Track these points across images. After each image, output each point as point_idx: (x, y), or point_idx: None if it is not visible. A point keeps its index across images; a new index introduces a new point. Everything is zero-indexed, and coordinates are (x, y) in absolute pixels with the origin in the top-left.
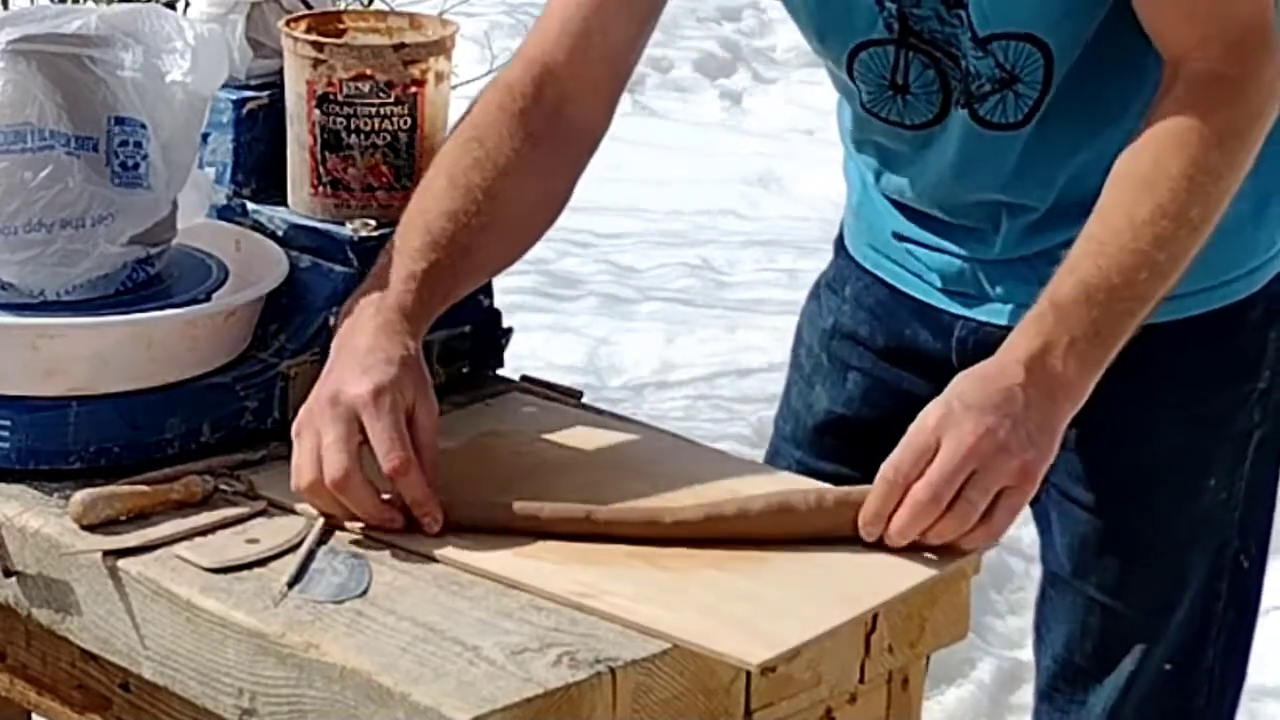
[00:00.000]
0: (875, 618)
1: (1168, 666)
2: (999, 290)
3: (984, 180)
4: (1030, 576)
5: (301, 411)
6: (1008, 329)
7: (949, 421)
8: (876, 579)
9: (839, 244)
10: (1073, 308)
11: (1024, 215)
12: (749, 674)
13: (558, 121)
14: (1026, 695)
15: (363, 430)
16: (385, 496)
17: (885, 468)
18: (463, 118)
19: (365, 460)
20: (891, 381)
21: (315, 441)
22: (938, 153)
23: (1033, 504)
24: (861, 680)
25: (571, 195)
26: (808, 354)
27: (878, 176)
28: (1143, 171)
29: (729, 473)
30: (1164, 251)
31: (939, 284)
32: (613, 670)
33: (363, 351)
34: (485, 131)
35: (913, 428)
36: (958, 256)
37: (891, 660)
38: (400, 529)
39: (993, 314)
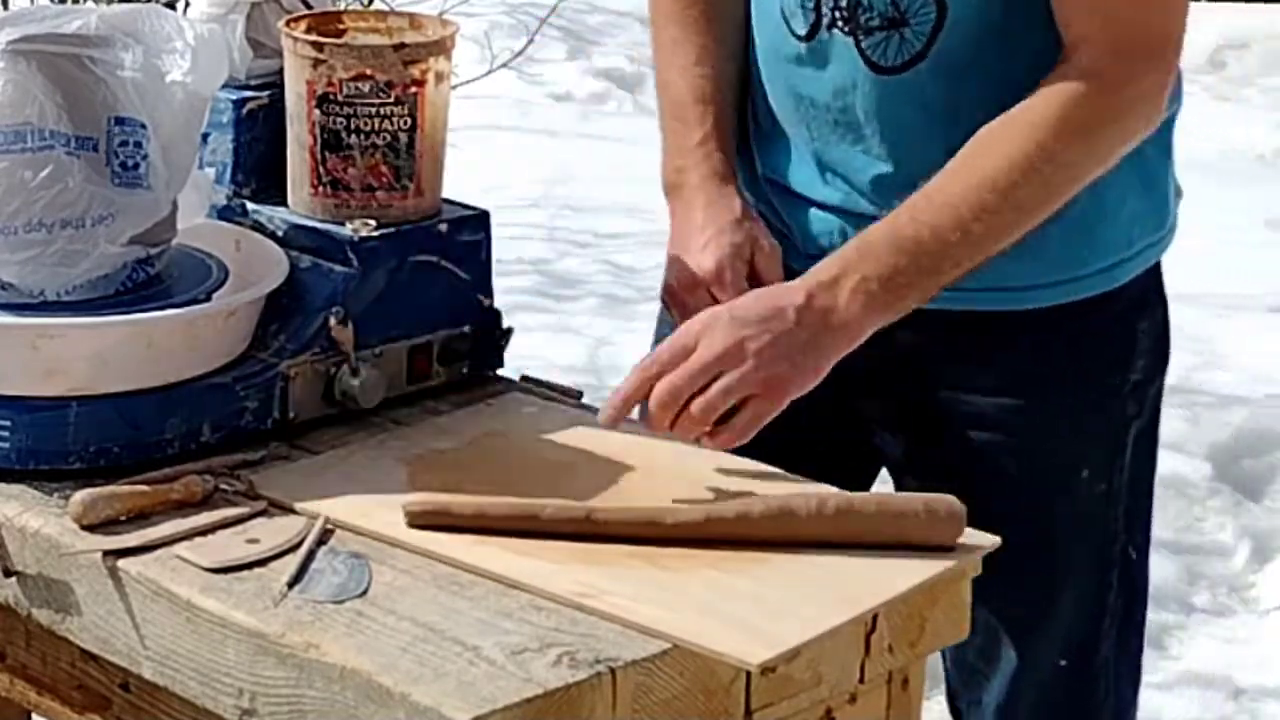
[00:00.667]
0: (875, 618)
1: (1063, 663)
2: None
3: (857, 110)
4: None
5: (666, 290)
6: None
7: (711, 327)
8: (877, 579)
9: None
10: (876, 249)
11: (889, 179)
12: (749, 674)
13: None
14: None
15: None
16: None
17: (643, 358)
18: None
19: None
20: None
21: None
22: (824, 79)
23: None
24: (861, 680)
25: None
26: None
27: (773, 113)
28: (991, 143)
29: (730, 473)
30: (981, 222)
31: (799, 241)
32: (613, 670)
33: (699, 228)
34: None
35: (680, 328)
36: (822, 207)
37: (892, 660)
38: None
39: None
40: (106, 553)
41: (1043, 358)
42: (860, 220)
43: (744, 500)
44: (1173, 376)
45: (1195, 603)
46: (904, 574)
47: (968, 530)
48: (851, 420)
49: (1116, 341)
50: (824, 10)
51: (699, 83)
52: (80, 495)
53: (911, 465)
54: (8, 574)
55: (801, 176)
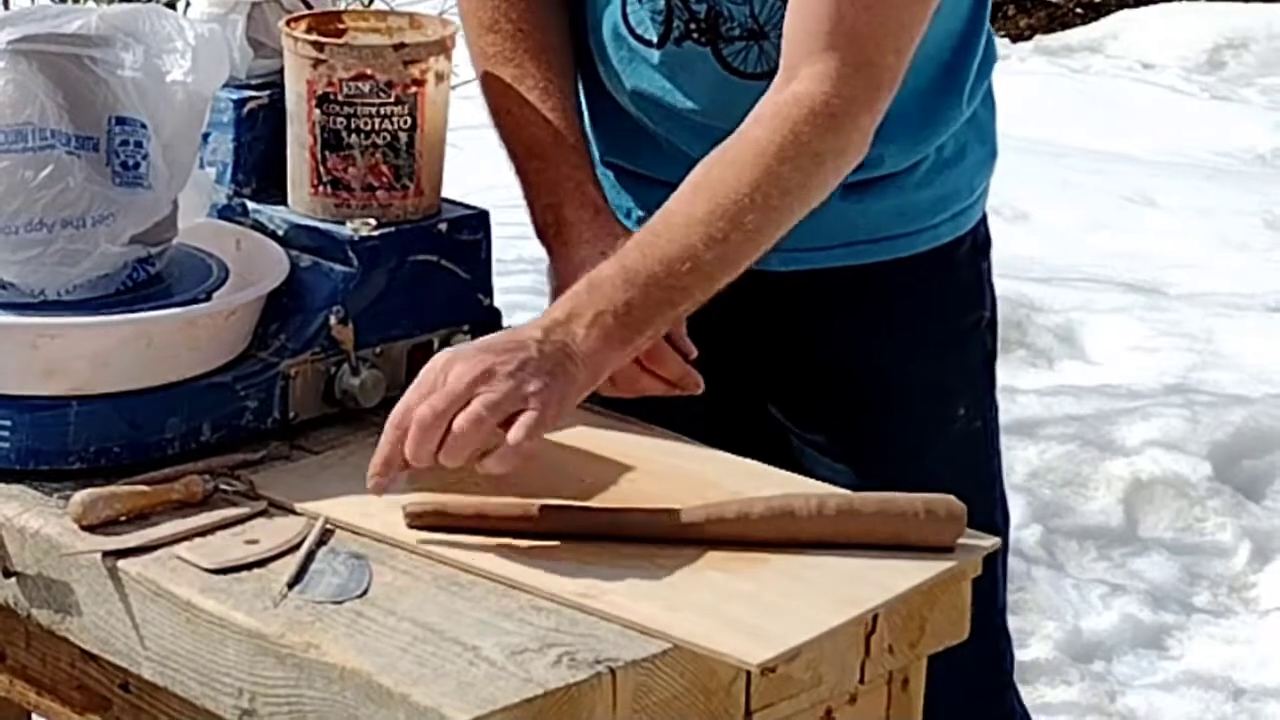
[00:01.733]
0: (875, 618)
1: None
2: None
3: (709, 111)
4: (1031, 577)
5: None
6: None
7: (454, 360)
8: (877, 580)
9: None
10: (607, 286)
11: None
12: (749, 674)
13: None
14: (1025, 696)
15: None
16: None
17: (394, 413)
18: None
19: None
20: None
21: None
22: (679, 86)
23: (792, 464)
24: (862, 681)
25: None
26: None
27: (611, 77)
28: (716, 173)
29: (730, 473)
30: (712, 251)
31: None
32: (613, 671)
33: (585, 265)
34: (495, 18)
35: (422, 371)
36: (672, 186)
37: (892, 661)
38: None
39: None
40: (106, 553)
41: (910, 304)
42: None
43: (744, 501)
44: (1172, 376)
45: (1195, 603)
46: (904, 574)
47: (967, 531)
48: (747, 400)
49: (970, 282)
50: (675, 24)
51: (552, 118)
52: (80, 495)
53: (804, 428)
54: (7, 574)
55: (659, 164)
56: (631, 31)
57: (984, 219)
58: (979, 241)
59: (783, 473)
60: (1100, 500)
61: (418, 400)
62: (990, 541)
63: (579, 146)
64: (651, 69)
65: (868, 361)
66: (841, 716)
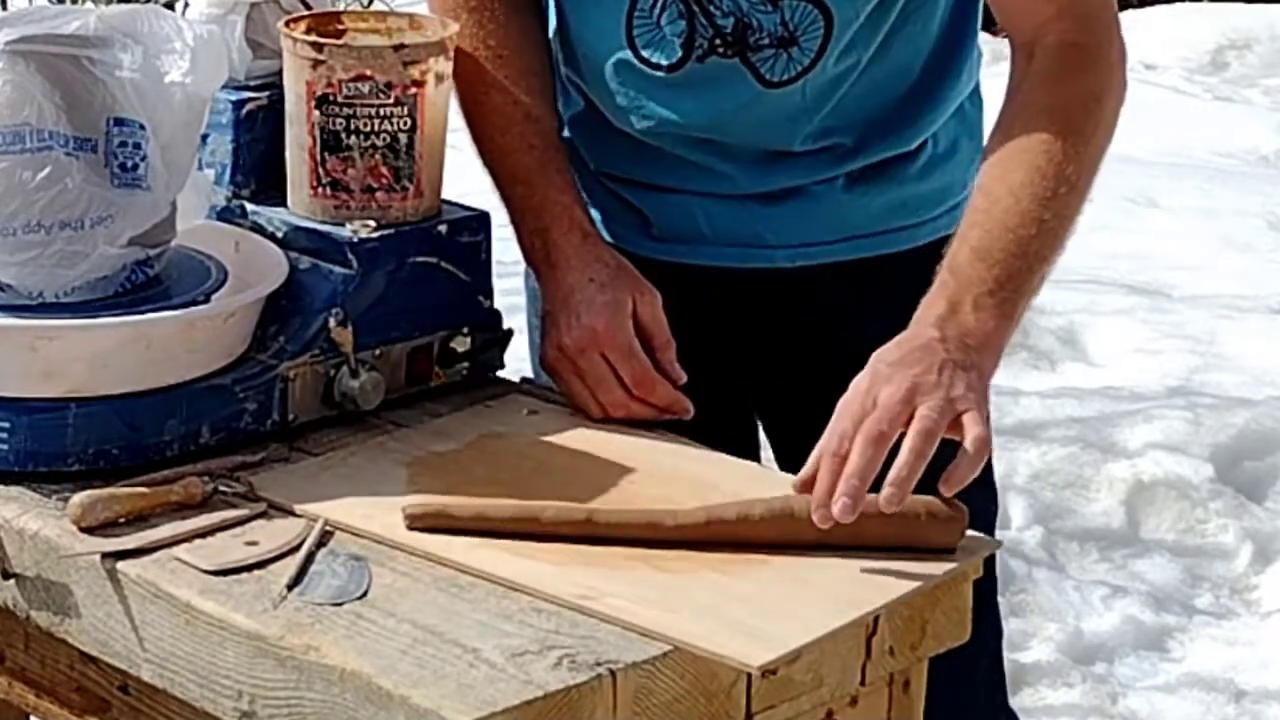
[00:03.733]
0: (876, 620)
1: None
2: (714, 231)
3: (725, 122)
4: (1033, 579)
5: (551, 357)
6: (729, 271)
7: (879, 381)
8: (878, 581)
9: None
10: (969, 269)
11: (752, 154)
12: (750, 676)
13: None
14: (1027, 698)
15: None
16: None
17: (828, 439)
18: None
19: None
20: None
21: (581, 386)
22: (692, 102)
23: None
24: (863, 683)
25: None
26: (537, 333)
27: (618, 110)
28: (1017, 141)
29: (730, 475)
30: (1049, 210)
31: (649, 228)
32: (613, 673)
33: (575, 288)
34: (482, 27)
35: (842, 401)
36: (675, 191)
37: (893, 663)
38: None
39: (711, 256)
40: (105, 555)
41: (913, 296)
42: (726, 200)
43: (745, 502)
44: (1175, 378)
45: (1197, 605)
46: (905, 576)
47: (969, 532)
48: (750, 397)
49: None
50: (698, 42)
51: (536, 143)
52: (79, 497)
53: (809, 424)
54: (6, 576)
55: (656, 172)
56: (643, 60)
57: None
58: None
59: (783, 474)
60: (1102, 502)
61: (853, 427)
62: (992, 543)
63: (563, 170)
64: (667, 91)
65: (872, 353)
66: (842, 718)
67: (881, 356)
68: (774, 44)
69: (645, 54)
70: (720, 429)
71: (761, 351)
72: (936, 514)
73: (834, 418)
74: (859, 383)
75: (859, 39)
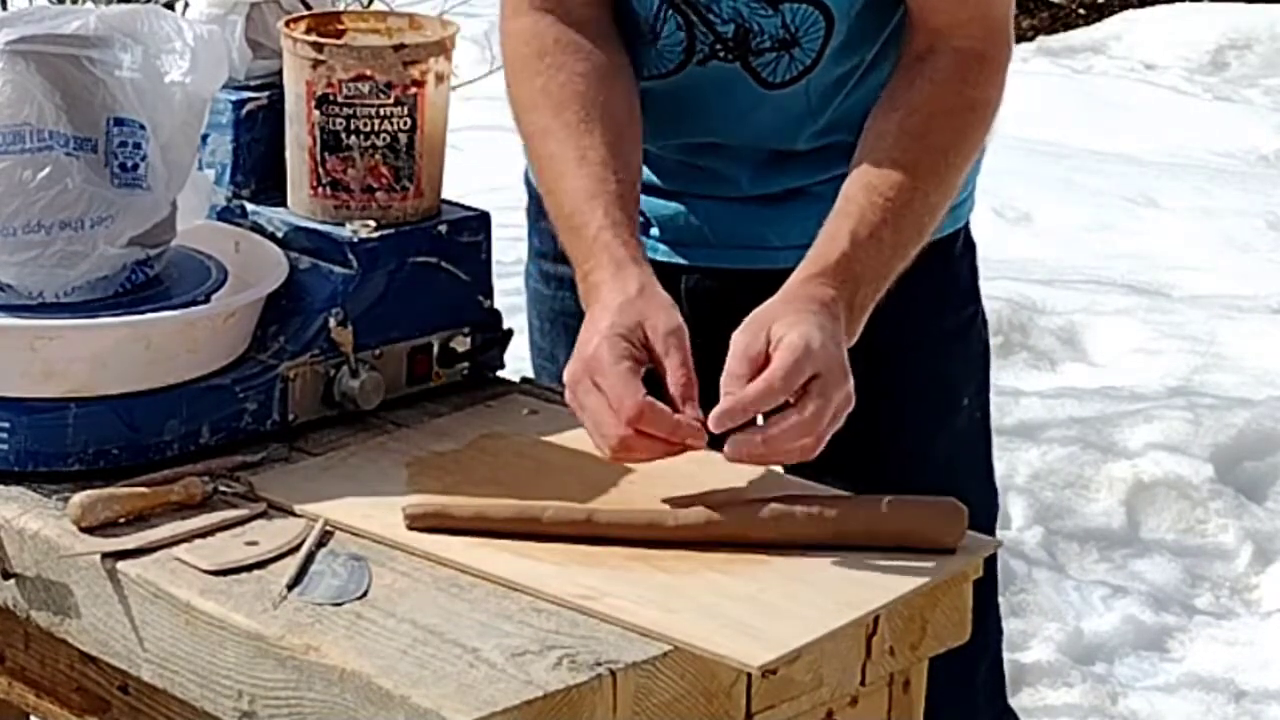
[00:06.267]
0: (876, 620)
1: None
2: (720, 234)
3: (729, 127)
4: (1033, 579)
5: (566, 397)
6: (735, 272)
7: (780, 329)
8: (878, 581)
9: (534, 212)
10: (866, 254)
11: (756, 157)
12: (750, 676)
13: (583, 29)
14: (1027, 698)
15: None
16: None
17: (730, 372)
18: (513, 91)
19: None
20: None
21: (586, 423)
22: (693, 105)
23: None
24: (863, 683)
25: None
26: (543, 336)
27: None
28: (916, 135)
29: (730, 475)
30: (929, 214)
31: (655, 231)
32: (613, 673)
33: (594, 320)
34: (545, 80)
35: (742, 337)
36: (678, 196)
37: (893, 663)
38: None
39: (716, 259)
40: (105, 555)
41: (916, 296)
42: (729, 203)
43: (745, 503)
44: (1175, 378)
45: (1197, 605)
46: (905, 576)
47: (969, 533)
48: None
49: (966, 276)
50: (698, 48)
51: (582, 185)
52: (79, 497)
53: None
54: (7, 576)
55: (658, 176)
56: (642, 77)
57: (969, 216)
58: (969, 238)
59: (783, 475)
60: (1102, 502)
61: (748, 367)
62: (992, 542)
63: (609, 203)
64: (667, 100)
65: (878, 352)
66: (842, 718)
67: (784, 300)
68: (775, 47)
69: (645, 70)
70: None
71: None
72: (937, 513)
73: (731, 353)
74: (758, 320)
75: (860, 36)
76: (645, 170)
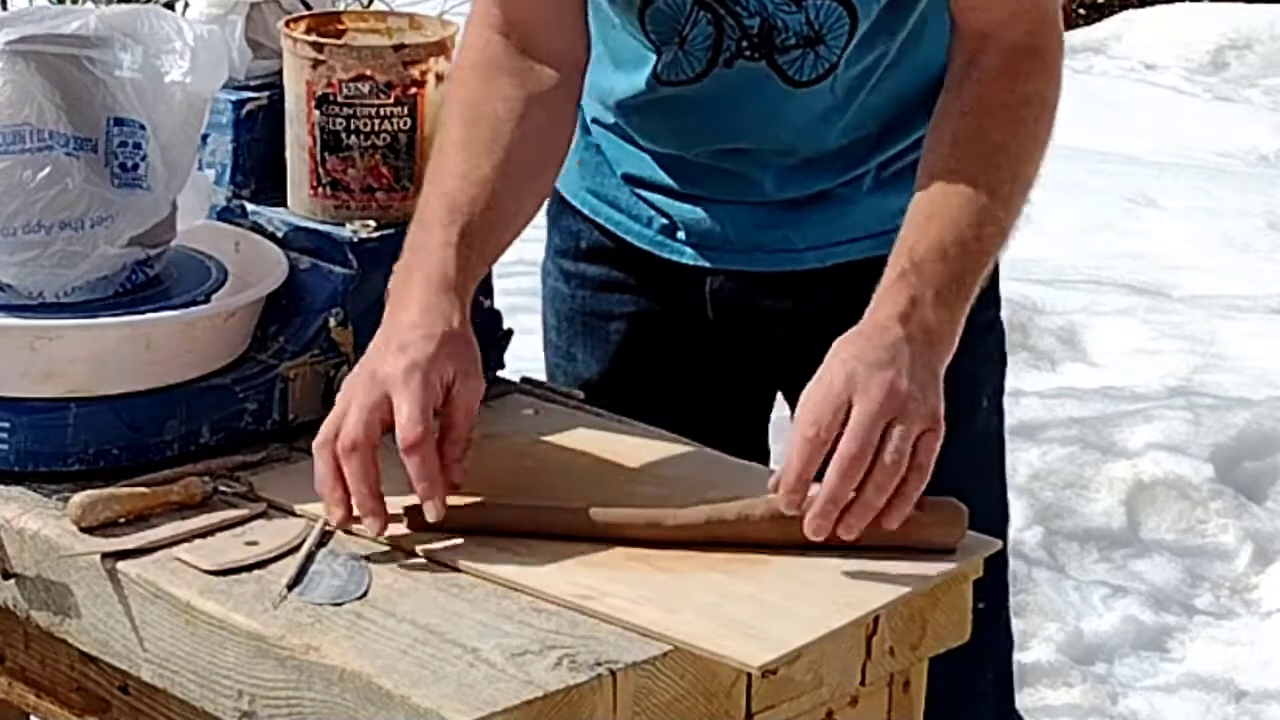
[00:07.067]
0: (877, 620)
1: (980, 605)
2: (743, 237)
3: (756, 129)
4: (1032, 579)
5: (344, 382)
6: (759, 275)
7: (855, 380)
8: (878, 581)
9: (555, 211)
10: (928, 265)
11: (782, 161)
12: (750, 676)
13: (532, 56)
14: (1027, 698)
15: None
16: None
17: (804, 425)
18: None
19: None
20: (655, 311)
21: (344, 408)
22: (718, 107)
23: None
24: (863, 683)
25: (575, 123)
26: (559, 334)
27: (644, 132)
28: (973, 136)
29: (730, 475)
30: (1000, 207)
31: (678, 233)
32: (613, 673)
33: (406, 327)
34: (470, 92)
35: (818, 391)
36: (703, 200)
37: (893, 663)
38: (375, 532)
39: (740, 262)
40: (105, 555)
41: None
42: (747, 207)
43: (745, 502)
44: (1175, 378)
45: (1197, 605)
46: (905, 576)
47: (969, 533)
48: (757, 387)
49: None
50: (726, 45)
51: (455, 195)
52: (79, 497)
53: None
54: (7, 576)
55: (682, 180)
56: (664, 81)
57: None
58: None
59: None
60: (1102, 502)
61: (831, 420)
62: (992, 543)
63: (470, 227)
64: (694, 106)
65: None
66: (842, 718)
67: (854, 352)
68: (800, 44)
69: (669, 78)
70: (740, 434)
71: (792, 351)
72: (937, 514)
73: (811, 405)
74: (831, 381)
75: (884, 30)
76: (671, 175)
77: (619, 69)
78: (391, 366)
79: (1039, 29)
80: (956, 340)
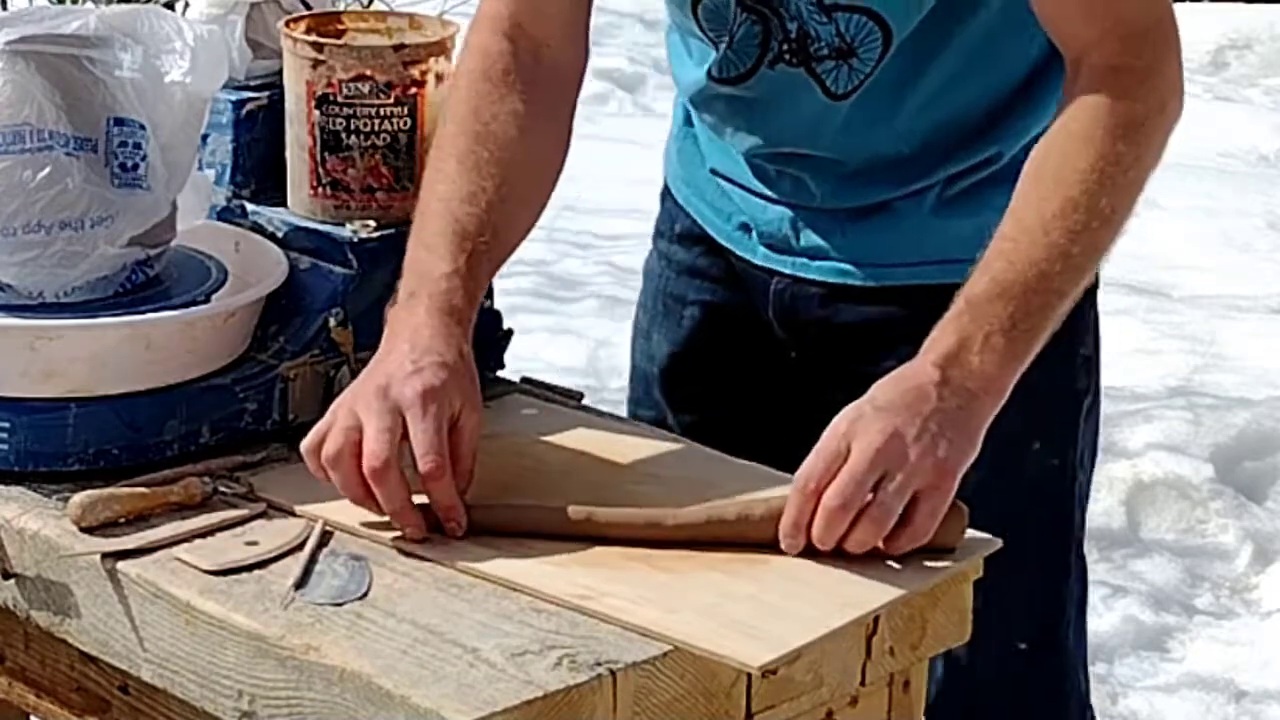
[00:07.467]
0: (877, 620)
1: (1023, 646)
2: (805, 243)
3: (802, 136)
4: None
5: (345, 393)
6: (816, 283)
7: (859, 426)
8: (878, 581)
9: (662, 191)
10: (987, 304)
11: (838, 169)
12: (750, 676)
13: (539, 69)
14: None
15: (405, 428)
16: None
17: (799, 477)
18: (451, 95)
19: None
20: (730, 304)
21: (353, 423)
22: (763, 109)
23: None
24: (863, 683)
25: (571, 136)
26: (644, 312)
27: (714, 128)
28: (1051, 167)
29: (730, 476)
30: (1077, 244)
31: (753, 232)
32: (613, 673)
33: (419, 350)
34: (479, 102)
35: (825, 433)
36: (773, 201)
37: (893, 663)
38: (418, 538)
39: (799, 268)
40: (105, 555)
41: None
42: (810, 213)
43: (744, 502)
44: (1175, 378)
45: (1197, 605)
46: (905, 576)
47: (970, 532)
48: (812, 410)
49: (1072, 314)
50: (772, 44)
51: (463, 219)
52: (79, 497)
53: None
54: (7, 576)
55: (756, 180)
56: (716, 79)
57: None
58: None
59: (785, 475)
60: (1102, 502)
61: (824, 471)
62: (992, 542)
63: (476, 256)
64: (746, 109)
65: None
66: (842, 718)
67: (873, 395)
68: (833, 55)
69: (720, 75)
70: (800, 442)
71: (843, 361)
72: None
73: (813, 452)
74: (842, 418)
75: (924, 51)
76: (747, 173)
77: (692, 64)
78: (408, 389)
79: (1132, 48)
80: (1007, 387)
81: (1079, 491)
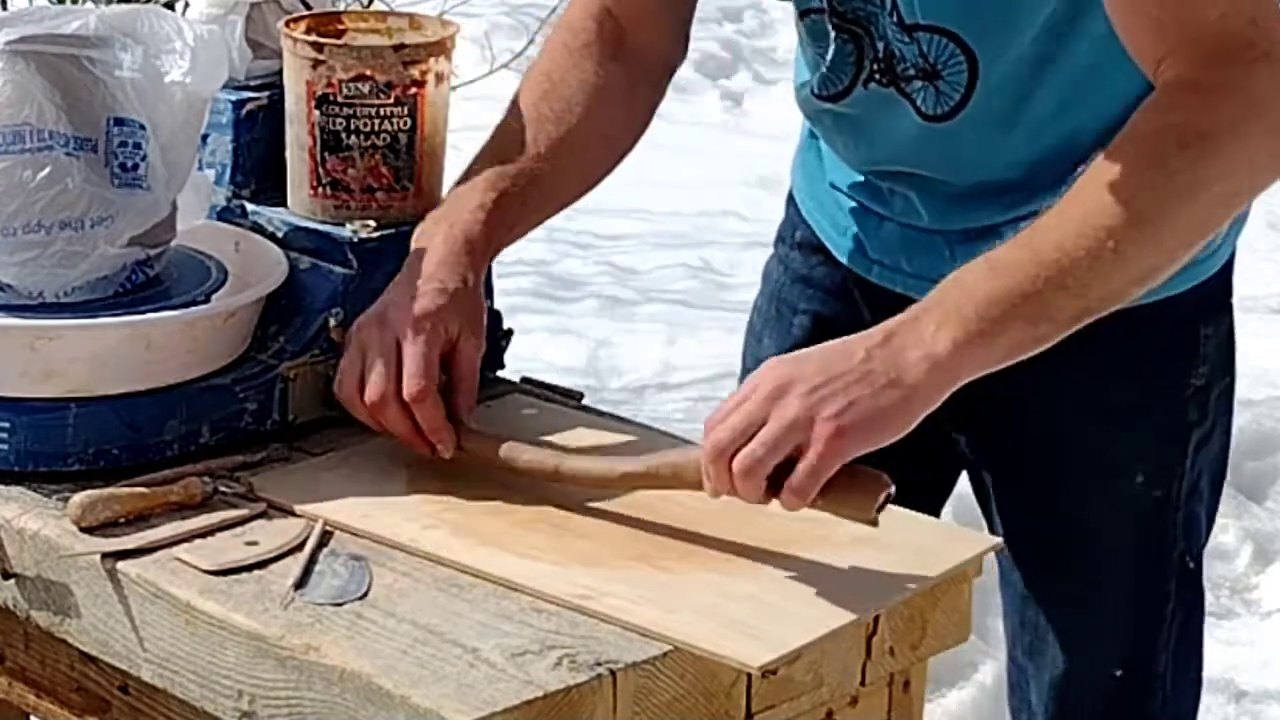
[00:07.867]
0: (877, 620)
1: (1118, 672)
2: (915, 263)
3: (904, 155)
4: None
5: (356, 323)
6: (909, 300)
7: (762, 373)
8: (878, 581)
9: (787, 197)
10: (968, 280)
11: (946, 190)
12: (750, 676)
13: (621, 50)
14: None
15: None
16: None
17: (709, 418)
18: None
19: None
20: (840, 317)
21: (359, 355)
22: (864, 128)
23: (976, 490)
24: (863, 683)
25: (648, 123)
26: (759, 314)
27: (827, 141)
28: (1099, 169)
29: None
30: (1096, 241)
31: (865, 248)
32: (613, 673)
33: (421, 278)
34: (553, 66)
35: (745, 387)
36: (886, 219)
37: (893, 662)
38: (425, 454)
39: (910, 288)
40: (105, 555)
41: (1107, 356)
42: (919, 233)
43: (681, 450)
44: None
45: None
46: (905, 576)
47: (970, 532)
48: (911, 434)
49: (1179, 344)
50: (865, 63)
51: (506, 162)
52: (79, 497)
53: (980, 461)
54: (7, 576)
55: (868, 197)
56: (817, 95)
57: (1218, 281)
58: (1203, 303)
59: None
60: None
61: (723, 414)
62: (992, 542)
63: (507, 204)
64: (850, 125)
65: (1035, 414)
66: (842, 718)
67: (805, 352)
68: (920, 75)
69: (823, 91)
70: (921, 449)
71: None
72: (850, 482)
73: (729, 407)
74: (760, 368)
75: (1022, 80)
76: (861, 189)
77: (804, 79)
78: (402, 313)
79: (1205, 62)
80: (959, 374)
81: (1189, 524)
